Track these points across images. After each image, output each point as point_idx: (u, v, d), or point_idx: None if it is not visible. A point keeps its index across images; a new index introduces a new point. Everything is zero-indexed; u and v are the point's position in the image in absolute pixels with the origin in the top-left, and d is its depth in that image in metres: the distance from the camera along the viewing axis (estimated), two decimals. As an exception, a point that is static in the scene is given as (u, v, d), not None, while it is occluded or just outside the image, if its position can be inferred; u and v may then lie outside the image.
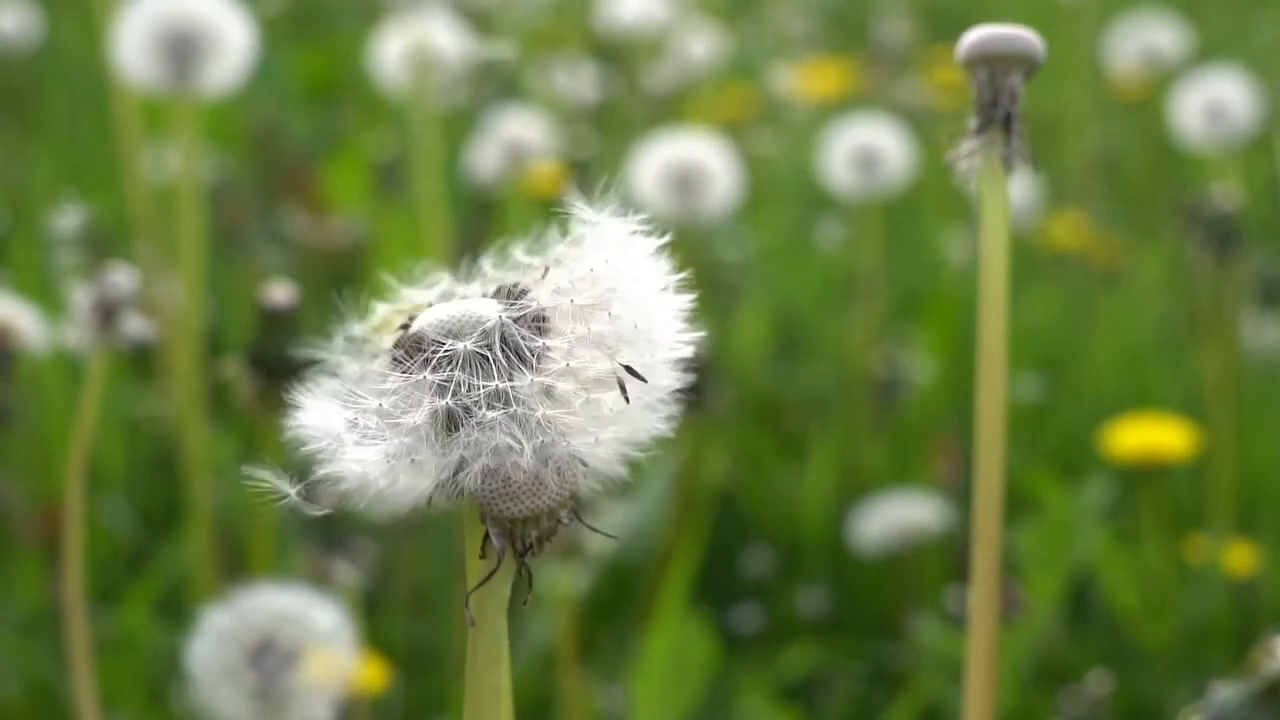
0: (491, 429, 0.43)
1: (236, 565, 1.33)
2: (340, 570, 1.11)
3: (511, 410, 0.44)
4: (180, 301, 1.33)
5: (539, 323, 0.45)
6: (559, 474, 0.44)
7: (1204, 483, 1.49)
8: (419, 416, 0.44)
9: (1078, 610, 1.41)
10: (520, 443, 0.43)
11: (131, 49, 1.31)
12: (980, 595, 0.57)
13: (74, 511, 0.86)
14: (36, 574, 1.33)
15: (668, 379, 0.45)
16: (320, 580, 1.11)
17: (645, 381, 0.44)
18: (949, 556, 1.47)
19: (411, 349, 0.45)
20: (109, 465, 1.50)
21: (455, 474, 0.44)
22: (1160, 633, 1.34)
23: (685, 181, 1.62)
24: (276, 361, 0.95)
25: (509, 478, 0.43)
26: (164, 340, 1.39)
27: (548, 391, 0.44)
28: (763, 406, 1.70)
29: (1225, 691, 0.66)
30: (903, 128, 1.88)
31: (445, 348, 0.44)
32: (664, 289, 0.45)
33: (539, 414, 0.44)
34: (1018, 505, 1.28)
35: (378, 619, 1.34)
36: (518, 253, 0.48)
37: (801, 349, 1.81)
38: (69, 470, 0.87)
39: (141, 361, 1.61)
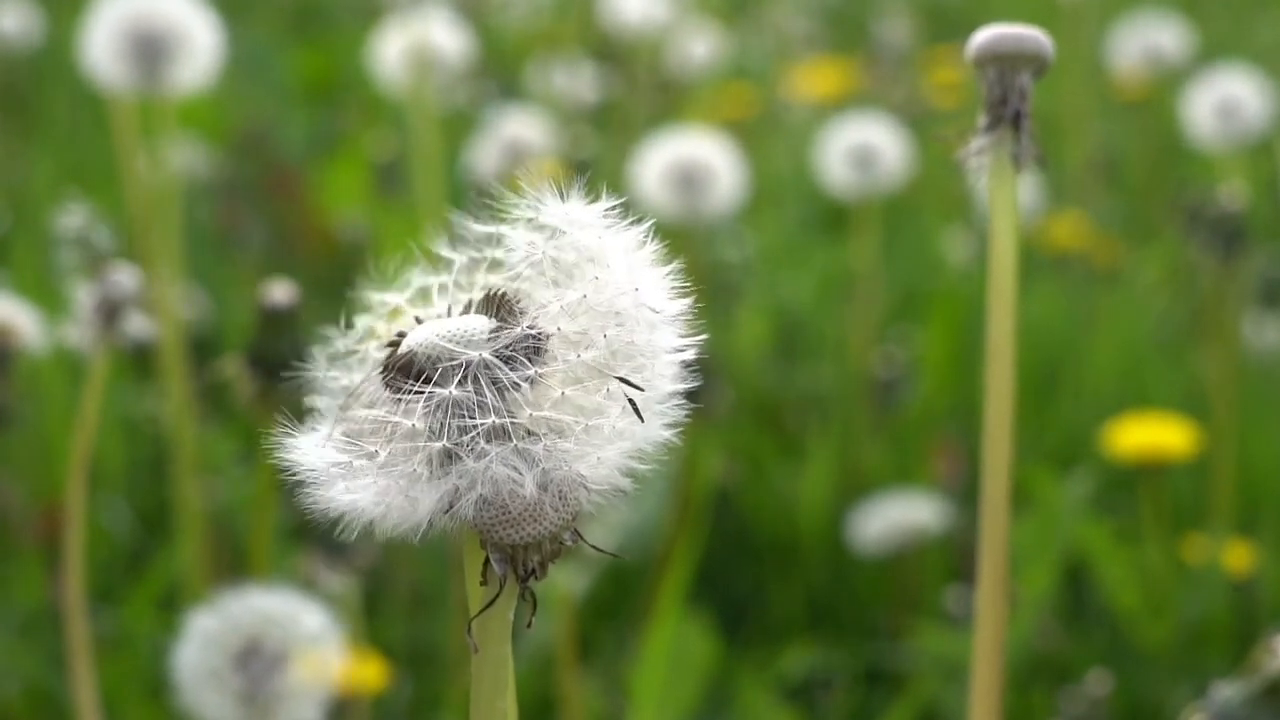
0: (488, 460, 0.42)
1: (237, 566, 1.33)
2: (337, 573, 1.11)
3: (509, 441, 0.43)
4: (169, 301, 1.33)
5: (535, 344, 0.44)
6: (560, 498, 0.43)
7: (1204, 482, 1.48)
8: (413, 449, 0.43)
9: (1077, 609, 1.41)
10: (520, 473, 0.42)
11: (100, 50, 1.32)
12: (986, 591, 0.57)
13: (74, 511, 0.86)
14: (36, 574, 1.33)
15: (668, 385, 0.44)
16: (318, 581, 1.11)
17: (642, 391, 0.43)
18: (949, 556, 1.47)
19: (402, 372, 0.44)
20: (108, 465, 1.50)
21: (451, 504, 0.43)
22: (1160, 632, 1.34)
23: (689, 180, 1.62)
24: (276, 361, 0.94)
25: (506, 505, 0.42)
26: (160, 340, 1.39)
27: (546, 419, 0.43)
28: (763, 406, 1.70)
29: (1226, 690, 0.66)
30: (901, 127, 1.88)
31: (438, 372, 0.43)
32: (663, 299, 0.44)
33: (540, 445, 0.43)
34: (1016, 503, 1.28)
35: (378, 619, 1.34)
36: (504, 250, 0.47)
37: (801, 349, 1.81)
38: (69, 470, 0.86)
39: (141, 361, 1.61)
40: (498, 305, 0.45)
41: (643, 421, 0.43)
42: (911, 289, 1.91)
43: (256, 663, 0.91)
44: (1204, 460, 1.46)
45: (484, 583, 0.44)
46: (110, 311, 0.87)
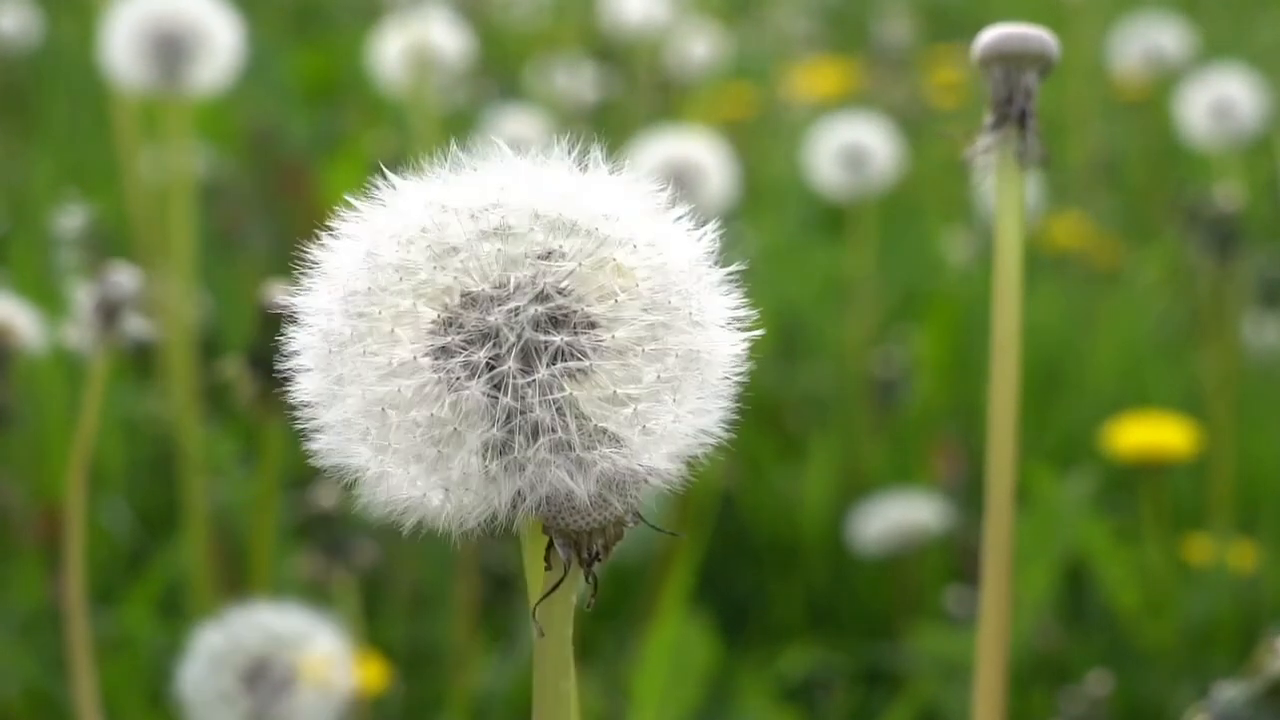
0: (547, 464, 0.43)
1: (237, 566, 1.33)
2: (337, 573, 1.10)
3: (570, 451, 0.43)
4: (174, 301, 1.33)
5: (587, 330, 0.44)
6: (620, 491, 0.44)
7: (1204, 482, 1.48)
8: (469, 443, 0.44)
9: (1077, 610, 1.41)
10: (575, 476, 0.43)
11: (120, 50, 1.32)
12: (991, 590, 0.57)
13: (74, 512, 0.86)
14: (36, 574, 1.33)
15: (726, 355, 0.45)
16: (319, 582, 1.11)
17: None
18: (949, 556, 1.47)
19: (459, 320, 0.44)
20: (109, 465, 1.50)
21: (514, 504, 0.44)
22: (1161, 632, 1.34)
23: (680, 179, 1.62)
24: (277, 361, 0.94)
25: (572, 493, 0.43)
26: (162, 340, 1.39)
27: (609, 399, 0.44)
28: (763, 406, 1.70)
29: (1229, 691, 0.66)
30: (900, 127, 1.88)
31: (486, 335, 0.44)
32: (718, 298, 0.46)
33: (596, 452, 0.44)
34: (1018, 502, 1.27)
35: (378, 619, 1.34)
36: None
37: (801, 349, 1.81)
38: (69, 470, 0.86)
39: (141, 361, 1.61)
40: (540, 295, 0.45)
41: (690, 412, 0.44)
42: (911, 289, 1.90)
43: (264, 683, 0.91)
44: (1204, 460, 1.46)
45: (548, 567, 0.44)
46: (109, 312, 0.87)
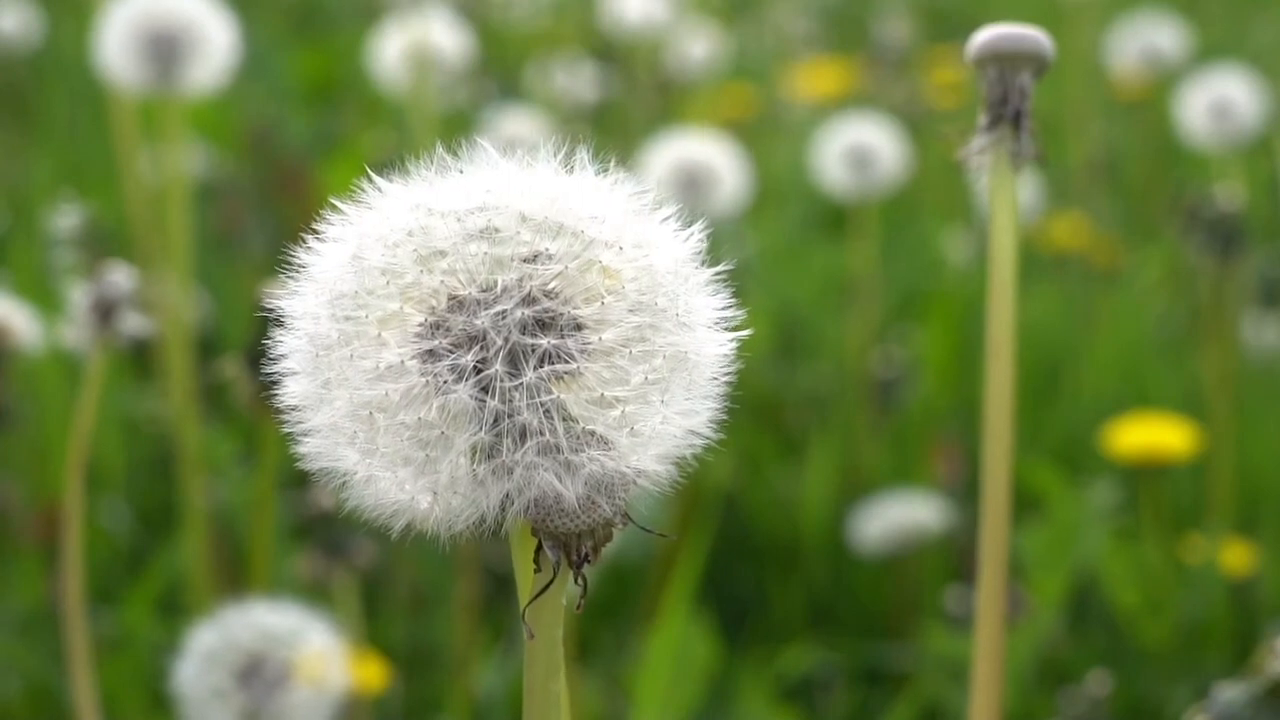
0: (535, 467, 0.43)
1: (237, 566, 1.33)
2: (337, 573, 1.10)
3: (558, 454, 0.44)
4: (173, 301, 1.33)
5: (581, 338, 0.45)
6: (609, 494, 0.44)
7: (1204, 482, 1.48)
8: (457, 446, 0.44)
9: (1078, 610, 1.41)
10: (563, 479, 0.43)
11: (113, 50, 1.31)
12: (987, 591, 0.57)
13: (73, 511, 0.86)
14: (36, 574, 1.33)
15: (714, 355, 0.46)
16: (319, 582, 1.11)
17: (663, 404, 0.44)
18: (949, 556, 1.47)
19: (441, 327, 0.44)
20: (107, 465, 1.50)
21: (503, 507, 0.44)
22: (1160, 632, 1.33)
23: (693, 181, 1.62)
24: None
25: (560, 496, 0.43)
26: (160, 340, 1.39)
27: (597, 401, 0.44)
28: (763, 406, 1.70)
29: (1229, 691, 0.66)
30: (900, 127, 1.87)
31: (475, 338, 0.44)
32: (706, 299, 0.46)
33: (585, 455, 0.44)
34: (1021, 504, 1.27)
35: (378, 619, 1.34)
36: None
37: (801, 349, 1.81)
38: (68, 470, 0.86)
39: (140, 361, 1.61)
40: (528, 297, 0.45)
41: (677, 414, 0.45)
42: (911, 289, 1.90)
43: (258, 680, 0.91)
44: (1204, 460, 1.46)
45: (538, 569, 0.45)
46: (106, 311, 0.87)
